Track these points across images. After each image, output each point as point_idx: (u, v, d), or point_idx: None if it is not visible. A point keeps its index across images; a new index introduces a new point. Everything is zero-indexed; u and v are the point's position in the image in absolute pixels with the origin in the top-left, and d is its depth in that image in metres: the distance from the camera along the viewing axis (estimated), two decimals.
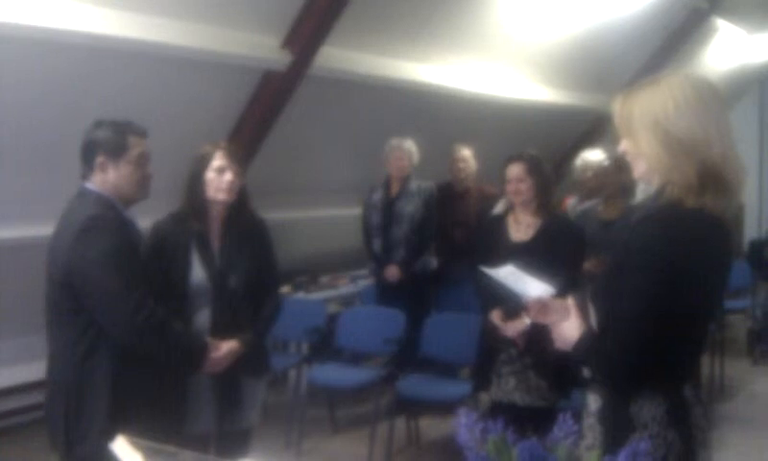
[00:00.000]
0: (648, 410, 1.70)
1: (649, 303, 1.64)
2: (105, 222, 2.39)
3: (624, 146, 1.78)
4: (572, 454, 1.21)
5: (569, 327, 1.81)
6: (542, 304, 1.92)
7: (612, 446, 1.27)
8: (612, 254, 1.83)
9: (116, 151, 2.46)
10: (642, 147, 1.71)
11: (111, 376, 2.39)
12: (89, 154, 2.47)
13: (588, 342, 1.75)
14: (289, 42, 4.59)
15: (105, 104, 3.07)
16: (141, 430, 1.67)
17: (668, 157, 1.67)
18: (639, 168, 1.77)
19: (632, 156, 1.78)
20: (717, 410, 5.04)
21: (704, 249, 1.67)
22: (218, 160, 2.72)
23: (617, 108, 1.77)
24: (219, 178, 2.71)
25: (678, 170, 1.66)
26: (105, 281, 2.36)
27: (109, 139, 2.46)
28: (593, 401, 1.81)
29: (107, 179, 2.46)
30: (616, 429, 1.70)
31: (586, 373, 1.84)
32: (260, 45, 4.53)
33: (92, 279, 2.36)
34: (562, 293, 1.98)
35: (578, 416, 1.49)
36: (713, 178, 1.65)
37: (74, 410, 2.39)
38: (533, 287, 2.17)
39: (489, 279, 2.46)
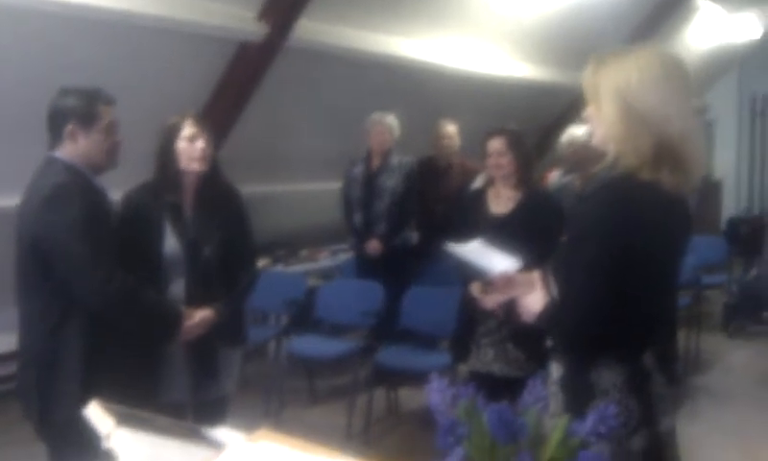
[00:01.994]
0: (608, 377, 1.73)
1: (600, 273, 1.67)
2: (73, 189, 2.36)
3: (588, 111, 1.81)
4: (541, 419, 1.23)
5: (533, 300, 1.83)
6: (508, 279, 1.94)
7: (573, 412, 1.29)
8: (569, 226, 1.85)
9: (87, 119, 2.43)
10: (603, 114, 1.74)
11: (83, 345, 2.37)
12: (58, 122, 2.42)
13: (551, 313, 1.77)
14: (265, 14, 4.54)
15: (76, 73, 3.02)
16: (115, 398, 1.67)
17: (625, 127, 1.69)
18: (597, 134, 1.80)
19: (594, 122, 1.80)
20: (693, 383, 5.12)
21: (656, 221, 1.69)
22: (188, 129, 2.69)
23: (588, 74, 1.79)
24: (191, 146, 2.68)
25: (633, 142, 1.68)
26: (73, 249, 2.33)
27: (80, 108, 2.42)
28: (555, 370, 1.84)
29: (76, 147, 2.43)
30: (578, 397, 1.73)
31: (548, 342, 1.86)
32: (235, 16, 4.47)
33: (61, 246, 2.33)
34: (539, 265, 2.00)
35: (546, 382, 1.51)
36: (670, 154, 1.67)
37: (46, 379, 2.37)
38: (498, 262, 2.19)
39: (454, 254, 2.48)
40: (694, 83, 1.81)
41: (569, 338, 1.76)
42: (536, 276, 1.88)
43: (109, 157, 2.51)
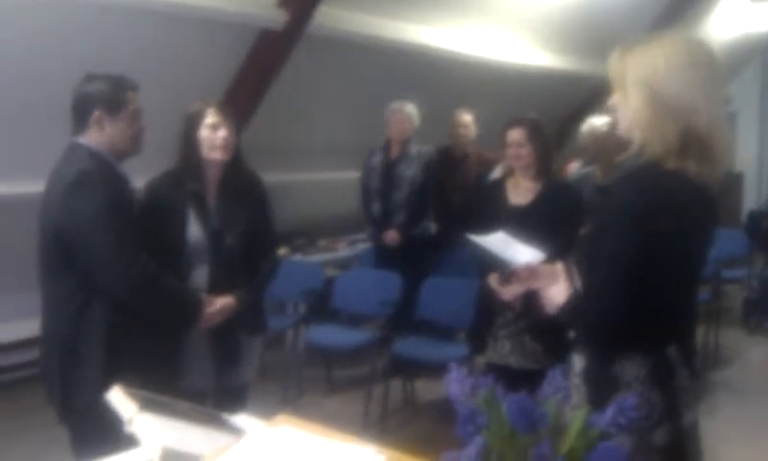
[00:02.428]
0: (631, 370, 1.71)
1: (625, 264, 1.65)
2: (97, 176, 2.36)
3: (614, 99, 1.79)
4: (561, 410, 1.22)
5: (557, 291, 1.81)
6: (531, 270, 1.93)
7: (596, 405, 1.28)
8: (594, 216, 1.83)
9: (113, 106, 2.43)
10: (629, 102, 1.72)
11: (105, 330, 2.39)
12: (84, 109, 2.42)
13: (574, 304, 1.76)
14: (285, 1, 4.54)
15: (98, 61, 3.03)
16: (137, 384, 1.69)
17: (651, 116, 1.67)
18: (622, 123, 1.78)
19: (620, 110, 1.78)
20: (712, 378, 5.08)
21: (682, 211, 1.67)
22: (211, 117, 2.68)
23: (614, 61, 1.77)
24: (213, 134, 2.67)
25: (658, 129, 1.66)
26: (97, 236, 2.33)
27: (107, 94, 2.43)
28: (578, 362, 1.83)
29: (102, 134, 2.43)
30: (600, 389, 1.72)
31: (571, 334, 1.85)
32: (256, 3, 4.49)
33: (84, 233, 2.33)
34: (559, 257, 1.99)
35: (568, 375, 1.51)
36: (697, 144, 1.65)
37: (69, 364, 2.39)
38: (522, 253, 2.18)
39: (477, 245, 2.47)
40: (723, 71, 1.77)
41: (593, 329, 1.74)
42: (559, 267, 1.86)
43: (134, 144, 2.52)
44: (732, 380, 5.17)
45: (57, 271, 2.42)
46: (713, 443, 2.23)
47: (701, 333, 5.19)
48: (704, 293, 5.26)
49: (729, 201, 8.92)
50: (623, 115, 1.77)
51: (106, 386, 1.63)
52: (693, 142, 1.65)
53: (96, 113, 2.41)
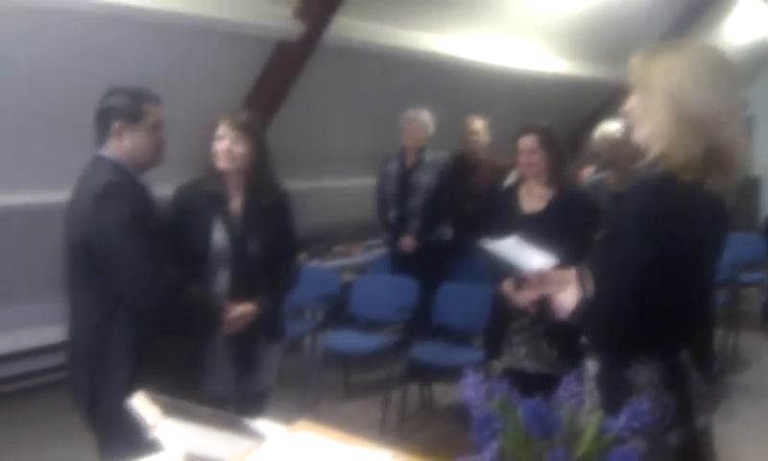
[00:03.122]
0: (644, 374, 1.73)
1: (637, 270, 1.67)
2: (122, 188, 2.41)
3: (632, 104, 1.77)
4: (575, 414, 1.25)
5: (567, 297, 1.83)
6: (542, 276, 1.95)
7: (609, 409, 1.30)
8: (606, 222, 1.85)
9: (132, 117, 2.48)
10: (652, 112, 1.71)
11: (131, 338, 2.43)
12: (105, 120, 2.48)
13: (584, 310, 1.78)
14: (302, 12, 4.59)
15: (119, 73, 3.10)
16: (161, 390, 1.72)
17: (676, 129, 1.66)
18: (641, 130, 1.76)
19: (637, 116, 1.76)
20: (729, 382, 5.06)
21: (695, 221, 1.68)
22: (219, 130, 2.79)
23: (636, 65, 1.75)
24: (218, 145, 2.78)
25: (683, 144, 1.66)
26: (123, 248, 2.38)
27: (125, 106, 2.48)
28: (591, 366, 1.85)
29: (122, 145, 2.48)
30: (614, 393, 1.73)
31: (583, 339, 1.87)
32: (273, 15, 4.53)
33: (110, 245, 2.38)
34: (573, 264, 2.01)
35: (582, 380, 1.53)
36: (717, 158, 1.65)
37: (96, 371, 2.43)
38: (534, 259, 2.20)
39: (489, 251, 2.49)
40: (742, 80, 1.77)
41: (604, 333, 1.76)
42: (570, 273, 1.88)
43: (155, 155, 2.57)
44: (750, 383, 5.14)
45: (84, 280, 2.47)
46: (731, 445, 2.24)
47: (719, 337, 5.16)
48: (722, 297, 5.24)
49: (746, 205, 8.85)
50: (640, 122, 1.76)
51: (131, 392, 1.67)
52: (714, 157, 1.65)
53: (116, 124, 2.47)
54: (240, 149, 2.78)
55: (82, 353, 2.48)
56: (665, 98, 1.67)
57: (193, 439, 1.53)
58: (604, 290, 1.75)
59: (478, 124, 5.39)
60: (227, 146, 2.76)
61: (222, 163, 2.77)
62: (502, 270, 3.24)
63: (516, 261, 2.26)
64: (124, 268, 2.40)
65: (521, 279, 3.18)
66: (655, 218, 1.66)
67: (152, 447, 1.59)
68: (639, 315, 1.67)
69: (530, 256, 2.22)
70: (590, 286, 1.82)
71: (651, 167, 1.73)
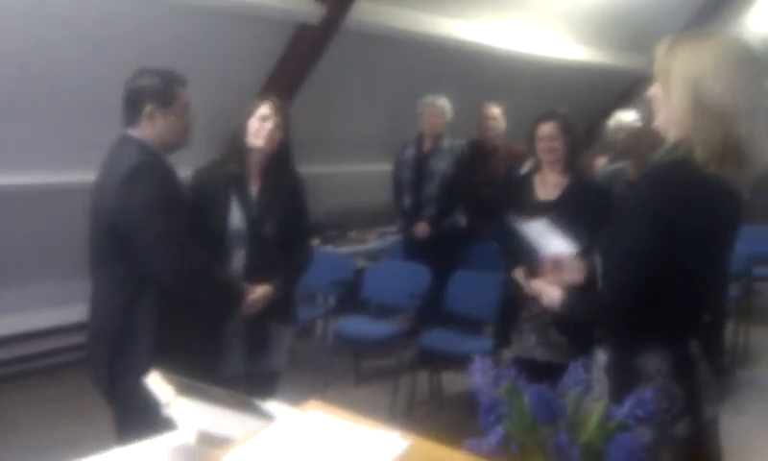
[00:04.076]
0: (653, 363, 1.74)
1: (643, 255, 1.67)
2: (150, 169, 2.43)
3: (654, 91, 1.77)
4: (581, 401, 1.26)
5: (553, 292, 1.89)
6: (556, 262, 1.96)
7: (618, 397, 1.32)
8: (618, 209, 1.86)
9: (165, 100, 2.50)
10: (672, 99, 1.70)
11: (155, 318, 2.45)
12: (137, 102, 2.49)
13: (575, 297, 1.80)
14: None
15: (142, 55, 3.14)
16: (180, 370, 1.76)
17: (695, 118, 1.66)
18: (660, 117, 1.77)
19: (658, 102, 1.76)
20: (740, 376, 5.03)
21: (707, 209, 1.68)
22: (263, 109, 2.84)
23: (660, 53, 1.75)
24: (261, 125, 2.82)
25: (702, 134, 1.65)
26: (150, 228, 2.40)
27: (159, 88, 2.50)
28: (600, 355, 1.86)
29: (154, 127, 2.49)
30: (623, 382, 1.74)
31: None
32: None
33: (138, 225, 2.39)
34: (586, 252, 2.02)
35: (589, 368, 1.54)
36: (736, 149, 1.65)
37: (119, 350, 2.46)
38: (555, 244, 2.21)
39: (514, 229, 2.51)
40: (765, 71, 1.75)
41: (611, 320, 1.78)
42: (583, 265, 1.90)
43: (182, 137, 2.59)
44: (759, 379, 5.10)
45: (110, 260, 2.49)
46: (738, 439, 2.25)
47: (730, 330, 5.14)
48: (734, 290, 5.20)
49: (762, 198, 8.75)
50: (661, 109, 1.76)
51: (151, 371, 1.70)
52: (732, 147, 1.64)
53: (149, 107, 2.48)
54: (281, 133, 2.84)
55: (104, 332, 2.51)
56: (685, 86, 1.67)
57: (205, 418, 1.56)
58: (609, 272, 1.76)
59: (495, 110, 5.39)
60: (271, 127, 2.82)
61: (260, 142, 2.82)
62: (514, 257, 3.26)
63: (539, 244, 2.27)
64: (152, 247, 2.42)
65: (533, 266, 3.20)
66: (663, 204, 1.67)
67: (166, 425, 1.63)
68: (647, 302, 1.68)
69: (552, 241, 2.23)
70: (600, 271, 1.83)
71: (670, 154, 1.73)
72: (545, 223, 2.42)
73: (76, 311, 2.86)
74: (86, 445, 1.70)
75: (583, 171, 3.54)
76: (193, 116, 2.67)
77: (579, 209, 3.22)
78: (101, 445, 1.72)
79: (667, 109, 1.73)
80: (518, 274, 3.34)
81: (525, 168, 4.26)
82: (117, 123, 2.56)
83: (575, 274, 1.90)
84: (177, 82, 2.56)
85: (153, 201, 2.40)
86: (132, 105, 2.50)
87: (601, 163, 5.20)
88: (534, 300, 3.24)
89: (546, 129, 3.40)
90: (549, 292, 1.90)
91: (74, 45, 3.86)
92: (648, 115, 1.90)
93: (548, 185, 3.42)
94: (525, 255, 2.81)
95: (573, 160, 3.41)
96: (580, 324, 1.92)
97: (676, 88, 1.69)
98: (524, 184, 3.52)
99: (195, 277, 2.51)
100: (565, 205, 3.30)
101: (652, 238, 1.67)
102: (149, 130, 2.50)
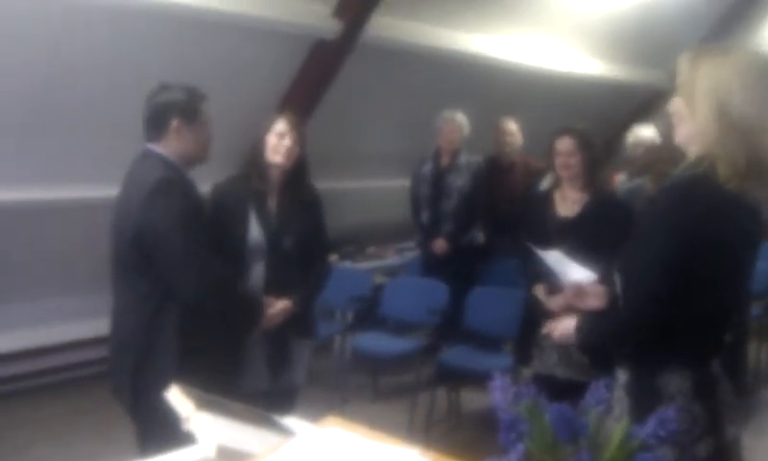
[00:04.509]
0: (675, 383, 1.72)
1: (660, 266, 1.66)
2: (172, 184, 2.45)
3: (675, 106, 1.75)
4: (602, 420, 1.25)
5: (566, 323, 1.89)
6: (579, 289, 1.95)
7: (638, 417, 1.31)
8: (638, 224, 1.84)
9: (190, 114, 2.53)
10: (696, 114, 1.69)
11: (177, 332, 2.46)
12: (162, 117, 2.50)
13: (590, 320, 1.78)
14: (340, 11, 4.63)
15: (161, 70, 3.17)
16: (202, 384, 1.76)
17: (719, 134, 1.65)
18: (682, 132, 1.75)
19: (679, 117, 1.75)
20: (763, 396, 4.95)
21: (726, 226, 1.67)
22: (280, 125, 2.87)
23: (684, 66, 1.74)
24: (279, 141, 2.85)
25: (726, 150, 1.64)
26: (174, 243, 2.41)
27: (184, 103, 2.52)
28: (621, 374, 1.84)
29: (179, 141, 2.51)
30: (643, 402, 1.72)
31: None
32: (311, 13, 4.58)
33: (163, 239, 2.41)
34: (607, 269, 2.01)
35: (611, 387, 1.53)
36: (758, 166, 1.64)
37: (141, 364, 2.47)
38: (575, 273, 2.21)
39: (535, 256, 2.51)
40: None
41: (629, 339, 1.76)
42: (604, 290, 1.89)
43: (202, 153, 2.61)
44: None
45: (132, 275, 2.50)
46: None
47: (753, 350, 5.06)
48: (756, 309, 5.14)
49: None
50: (682, 124, 1.75)
51: (173, 385, 1.71)
52: (756, 164, 1.63)
53: (174, 122, 2.50)
54: (298, 149, 2.87)
55: (127, 346, 2.52)
56: (710, 101, 1.66)
57: (225, 432, 1.57)
58: (630, 291, 1.74)
59: (512, 125, 5.39)
60: (290, 144, 2.85)
61: (278, 158, 2.85)
62: (536, 274, 3.25)
63: (558, 272, 2.28)
64: (175, 262, 2.44)
65: (554, 284, 3.19)
66: (682, 218, 1.66)
67: (187, 439, 1.63)
68: (668, 321, 1.66)
69: (571, 270, 2.24)
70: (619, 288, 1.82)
71: (690, 169, 1.71)
72: (560, 253, 2.42)
73: (98, 325, 2.87)
74: (107, 459, 1.71)
75: (603, 187, 3.52)
76: (211, 131, 2.69)
77: (599, 226, 3.21)
78: (122, 458, 1.72)
79: (691, 124, 1.71)
80: (539, 291, 3.33)
81: (545, 184, 4.26)
82: (139, 138, 2.58)
83: (597, 299, 1.89)
84: (199, 97, 2.59)
85: (175, 216, 2.41)
86: (158, 119, 2.52)
87: (619, 180, 5.18)
88: (555, 317, 3.25)
89: (563, 144, 3.39)
90: (562, 326, 1.88)
91: (94, 61, 3.91)
92: (667, 130, 1.89)
93: (568, 202, 3.40)
94: (546, 274, 2.80)
95: (593, 176, 3.40)
96: (599, 346, 1.90)
97: (700, 103, 1.68)
98: (544, 201, 3.50)
99: (217, 291, 2.53)
100: (586, 221, 3.29)
101: (670, 252, 1.66)
102: (173, 144, 2.52)
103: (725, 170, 1.64)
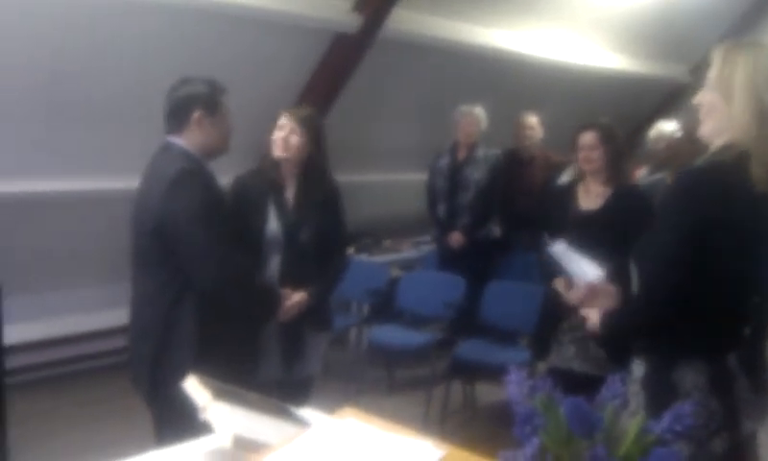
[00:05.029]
0: (691, 378, 1.72)
1: (672, 249, 1.66)
2: (193, 176, 2.46)
3: (704, 98, 1.73)
4: (618, 415, 1.25)
5: (593, 314, 1.88)
6: (592, 289, 1.95)
7: (654, 411, 1.30)
8: (655, 214, 1.83)
9: (212, 107, 2.55)
10: (734, 110, 1.67)
11: (196, 323, 2.47)
12: (184, 109, 2.52)
13: (615, 313, 1.77)
14: (360, 5, 4.63)
15: (182, 63, 3.19)
16: (219, 374, 1.78)
17: (757, 127, 1.64)
18: (710, 125, 1.73)
19: (707, 110, 1.73)
20: None
21: (741, 215, 1.66)
22: (280, 119, 2.92)
23: (718, 60, 1.71)
24: (276, 134, 2.90)
25: (760, 140, 1.63)
26: (194, 234, 2.42)
27: (206, 95, 2.55)
28: (637, 369, 1.84)
29: (201, 133, 2.53)
30: (659, 396, 1.72)
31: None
32: (332, 7, 4.59)
33: (182, 231, 2.42)
34: (618, 272, 2.00)
35: (627, 381, 1.53)
36: None
37: (160, 354, 2.48)
38: (583, 269, 2.20)
39: (552, 252, 2.51)
40: None
41: (648, 319, 1.75)
42: (616, 289, 1.89)
43: (223, 145, 2.63)
44: None
45: (153, 265, 2.52)
46: None
47: None
48: None
49: None
50: (709, 117, 1.73)
51: (191, 375, 1.73)
52: None
53: (197, 114, 2.52)
54: (295, 140, 2.88)
55: (146, 336, 2.54)
56: (748, 96, 1.65)
57: (242, 422, 1.58)
58: (644, 278, 1.74)
59: (532, 119, 5.37)
60: (283, 135, 2.89)
61: (277, 152, 2.90)
62: (554, 268, 3.24)
63: (567, 267, 2.27)
64: (195, 253, 2.45)
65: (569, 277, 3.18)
66: (691, 202, 1.65)
67: (203, 429, 1.65)
68: (681, 312, 1.65)
69: (579, 265, 2.23)
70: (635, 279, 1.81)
71: (712, 158, 1.70)
72: (565, 246, 2.41)
73: (119, 315, 2.90)
74: (126, 447, 1.73)
75: (626, 181, 3.50)
76: (232, 123, 2.71)
77: (622, 219, 3.19)
78: (140, 447, 1.75)
79: (725, 117, 1.69)
80: (559, 284, 3.31)
81: (566, 177, 4.23)
82: (161, 131, 2.60)
83: (610, 299, 1.88)
84: (220, 89, 2.61)
85: (196, 207, 2.43)
86: (180, 112, 2.53)
87: (641, 174, 5.15)
88: (574, 310, 3.24)
89: (586, 138, 3.38)
90: (590, 316, 1.87)
91: (115, 57, 3.95)
92: (689, 125, 1.88)
93: (591, 195, 3.39)
94: (559, 267, 2.80)
95: (616, 170, 3.38)
96: (621, 340, 1.90)
97: (739, 100, 1.66)
98: (567, 194, 3.49)
99: (236, 282, 2.55)
100: (608, 215, 3.27)
101: (681, 233, 1.65)
102: (195, 136, 2.53)
103: (758, 169, 1.62)
